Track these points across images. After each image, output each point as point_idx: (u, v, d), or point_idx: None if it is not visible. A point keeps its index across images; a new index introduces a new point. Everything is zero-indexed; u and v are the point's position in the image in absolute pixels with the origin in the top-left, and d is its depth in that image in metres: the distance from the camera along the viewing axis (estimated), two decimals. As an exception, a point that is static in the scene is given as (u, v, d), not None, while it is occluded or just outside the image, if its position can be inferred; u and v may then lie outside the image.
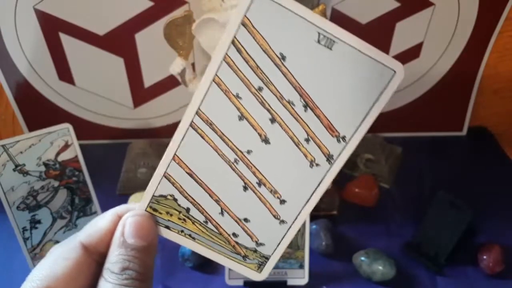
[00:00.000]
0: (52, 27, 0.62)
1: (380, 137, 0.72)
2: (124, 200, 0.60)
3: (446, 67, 0.70)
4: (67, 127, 0.50)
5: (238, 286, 0.50)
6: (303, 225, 0.49)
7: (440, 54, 0.68)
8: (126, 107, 0.71)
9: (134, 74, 0.68)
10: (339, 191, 0.63)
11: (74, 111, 0.71)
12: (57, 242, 0.53)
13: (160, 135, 0.73)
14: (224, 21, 0.46)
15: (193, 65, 0.65)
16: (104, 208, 0.55)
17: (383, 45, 0.67)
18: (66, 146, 0.50)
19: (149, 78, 0.68)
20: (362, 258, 0.53)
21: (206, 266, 0.54)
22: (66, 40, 0.63)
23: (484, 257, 0.53)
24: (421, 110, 0.73)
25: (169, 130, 0.72)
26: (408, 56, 0.68)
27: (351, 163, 0.68)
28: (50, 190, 0.51)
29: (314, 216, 0.58)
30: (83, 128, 0.70)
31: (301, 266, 0.50)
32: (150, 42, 0.64)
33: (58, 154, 0.50)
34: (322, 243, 0.55)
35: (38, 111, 0.70)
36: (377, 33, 0.66)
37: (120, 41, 0.64)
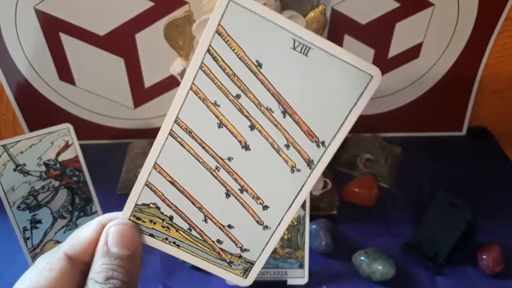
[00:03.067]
0: (53, 27, 0.62)
1: (380, 137, 0.73)
2: (125, 200, 0.60)
3: (445, 67, 0.70)
4: (67, 127, 0.50)
5: (237, 287, 0.50)
6: (303, 224, 0.49)
7: (440, 54, 0.68)
8: (126, 107, 0.71)
9: (135, 74, 0.68)
10: (339, 191, 0.63)
11: (74, 111, 0.71)
12: (58, 242, 0.53)
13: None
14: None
15: (193, 65, 0.65)
16: (105, 207, 0.55)
17: (383, 45, 0.67)
18: (67, 146, 0.51)
19: (150, 78, 0.68)
20: (362, 258, 0.53)
21: (206, 265, 0.54)
22: (67, 40, 0.63)
23: (484, 256, 0.53)
24: (421, 110, 0.73)
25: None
26: (407, 56, 0.68)
27: (351, 163, 0.69)
28: (51, 190, 0.51)
29: (314, 216, 0.58)
30: (83, 128, 0.71)
31: (301, 266, 0.50)
32: (150, 42, 0.64)
33: (58, 154, 0.50)
34: (322, 242, 0.55)
35: (39, 111, 0.70)
36: (377, 33, 0.66)
37: (121, 41, 0.64)
